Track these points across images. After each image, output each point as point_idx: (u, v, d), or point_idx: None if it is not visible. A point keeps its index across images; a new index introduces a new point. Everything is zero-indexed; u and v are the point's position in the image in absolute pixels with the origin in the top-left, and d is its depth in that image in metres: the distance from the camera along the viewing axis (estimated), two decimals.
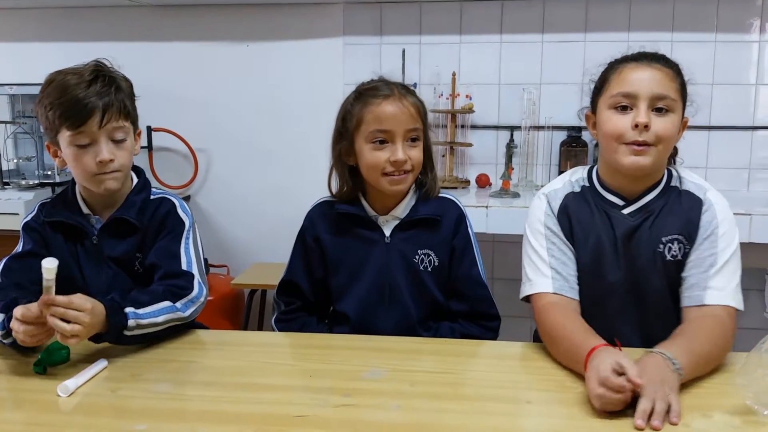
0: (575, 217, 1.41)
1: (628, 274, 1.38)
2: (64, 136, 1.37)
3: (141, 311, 1.29)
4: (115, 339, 1.26)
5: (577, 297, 1.37)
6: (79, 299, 1.18)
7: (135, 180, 1.51)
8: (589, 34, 2.67)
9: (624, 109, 1.33)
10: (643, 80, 1.32)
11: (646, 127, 1.30)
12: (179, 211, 1.49)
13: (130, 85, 1.45)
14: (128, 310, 1.27)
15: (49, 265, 1.17)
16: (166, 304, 1.34)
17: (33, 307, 1.16)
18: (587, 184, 1.44)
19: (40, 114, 1.39)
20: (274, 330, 1.56)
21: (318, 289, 1.56)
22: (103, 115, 1.35)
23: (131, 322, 1.26)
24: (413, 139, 1.46)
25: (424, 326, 1.52)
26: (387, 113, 1.44)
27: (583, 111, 1.49)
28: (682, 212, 1.36)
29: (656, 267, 1.36)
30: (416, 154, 1.47)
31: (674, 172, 1.41)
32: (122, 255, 1.45)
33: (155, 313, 1.31)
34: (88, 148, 1.37)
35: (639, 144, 1.31)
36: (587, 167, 1.48)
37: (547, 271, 1.37)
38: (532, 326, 2.00)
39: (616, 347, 1.13)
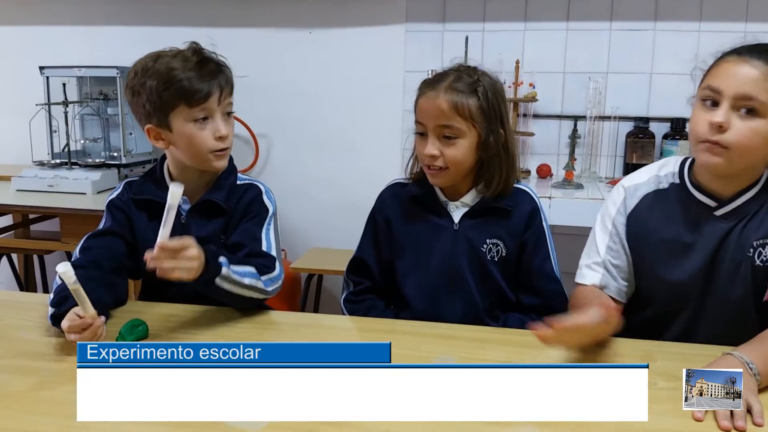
0: (652, 218, 1.34)
1: (709, 278, 1.30)
2: (181, 114, 1.39)
3: (232, 267, 1.33)
4: (206, 283, 1.28)
5: (620, 298, 1.37)
6: (188, 240, 1.24)
7: None
8: (659, 23, 2.58)
9: (713, 104, 1.22)
10: (732, 76, 1.20)
11: (721, 127, 1.19)
12: (264, 197, 1.53)
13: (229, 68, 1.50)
14: (222, 259, 1.31)
15: (176, 189, 1.22)
16: (252, 269, 1.38)
17: (79, 320, 1.18)
18: (677, 181, 1.34)
19: (141, 98, 1.40)
20: (342, 309, 1.57)
21: (385, 270, 1.56)
22: (221, 92, 1.41)
23: (224, 270, 1.30)
24: (447, 137, 1.41)
25: (490, 315, 1.50)
26: (421, 106, 1.43)
27: (691, 100, 1.36)
28: None
29: (742, 272, 1.28)
30: (452, 152, 1.41)
31: None
32: (208, 236, 1.47)
33: (242, 274, 1.35)
34: (205, 123, 1.41)
35: (711, 142, 1.21)
36: (680, 159, 1.37)
37: (599, 267, 1.37)
38: None
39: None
